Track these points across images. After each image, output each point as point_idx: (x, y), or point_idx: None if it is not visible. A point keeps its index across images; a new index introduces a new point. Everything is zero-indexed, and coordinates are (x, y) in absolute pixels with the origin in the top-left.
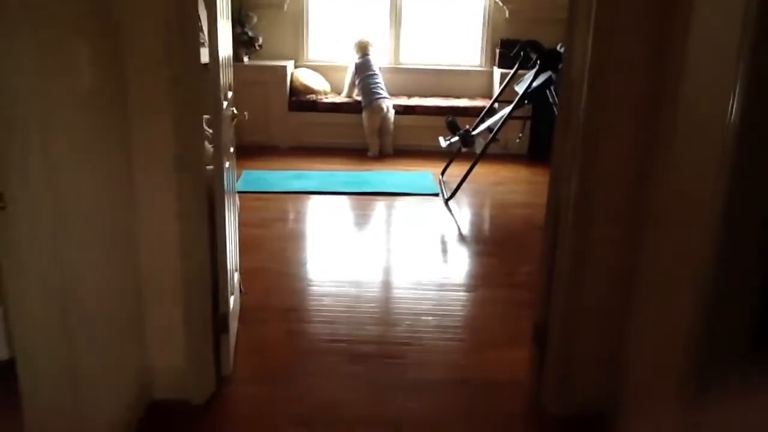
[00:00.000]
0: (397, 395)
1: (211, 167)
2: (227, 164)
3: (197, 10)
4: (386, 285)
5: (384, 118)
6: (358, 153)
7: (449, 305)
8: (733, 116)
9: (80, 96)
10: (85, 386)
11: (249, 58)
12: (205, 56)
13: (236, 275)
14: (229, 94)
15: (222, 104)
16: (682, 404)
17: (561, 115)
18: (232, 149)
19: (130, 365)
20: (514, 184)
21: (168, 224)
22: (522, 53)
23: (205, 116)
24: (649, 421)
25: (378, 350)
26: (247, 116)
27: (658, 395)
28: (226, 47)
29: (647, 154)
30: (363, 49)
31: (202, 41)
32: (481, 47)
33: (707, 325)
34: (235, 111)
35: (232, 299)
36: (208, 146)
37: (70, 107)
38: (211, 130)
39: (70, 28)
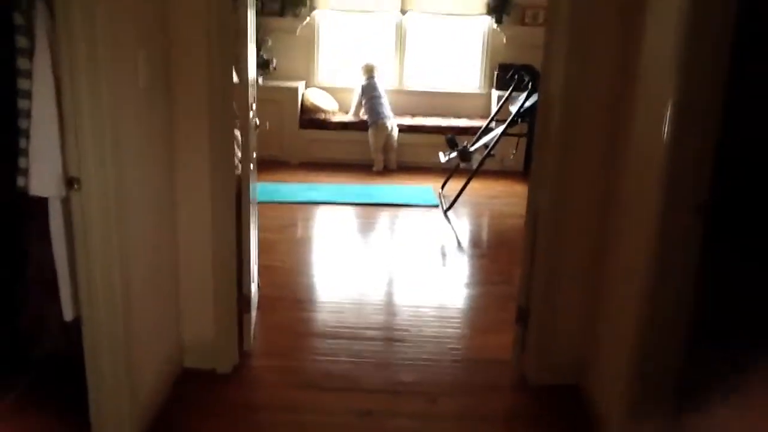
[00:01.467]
0: (396, 369)
1: (238, 171)
2: (252, 166)
3: (232, 39)
4: (389, 282)
5: (388, 135)
6: (363, 168)
7: (446, 299)
8: (668, 123)
9: (139, 97)
10: (136, 348)
11: (263, 78)
12: (235, 77)
13: (255, 268)
14: (254, 106)
15: (250, 114)
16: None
17: (539, 129)
18: (254, 154)
19: (168, 336)
20: (508, 197)
21: (202, 215)
22: (516, 76)
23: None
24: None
25: (380, 335)
26: (268, 126)
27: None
28: (252, 69)
29: (611, 160)
30: (369, 71)
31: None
32: (481, 70)
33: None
34: (258, 122)
35: (253, 286)
36: (237, 151)
37: (132, 100)
38: (239, 135)
39: (136, 42)
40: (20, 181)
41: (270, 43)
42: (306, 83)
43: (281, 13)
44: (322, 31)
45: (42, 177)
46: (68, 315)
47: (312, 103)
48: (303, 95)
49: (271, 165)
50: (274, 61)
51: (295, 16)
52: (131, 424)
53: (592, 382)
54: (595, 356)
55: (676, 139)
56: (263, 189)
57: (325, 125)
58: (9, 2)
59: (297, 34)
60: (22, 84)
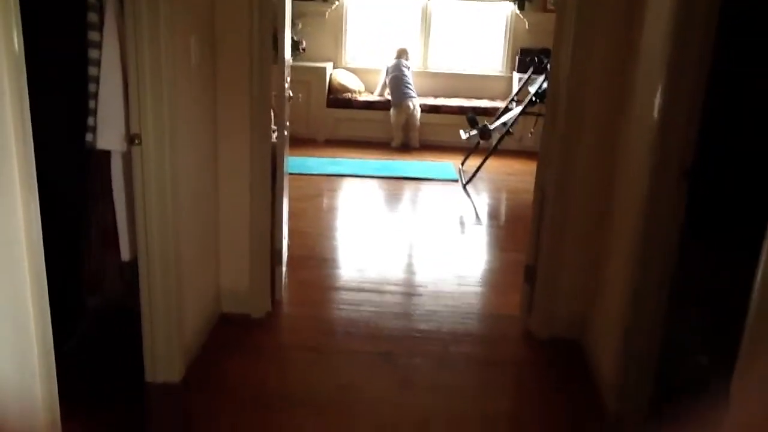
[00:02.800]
0: (415, 319)
1: (274, 139)
2: (285, 134)
3: (271, 21)
4: (410, 246)
5: (410, 114)
6: (387, 146)
7: (463, 263)
8: (658, 101)
9: (190, 69)
10: (184, 289)
11: (293, 60)
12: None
13: (286, 228)
14: (288, 80)
15: (285, 86)
16: None
17: (548, 109)
18: (287, 124)
19: (209, 282)
20: (525, 175)
21: (241, 176)
22: (536, 59)
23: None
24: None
25: (401, 289)
26: (300, 98)
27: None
28: (287, 48)
29: (613, 136)
30: (398, 53)
31: None
32: (503, 54)
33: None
34: (291, 93)
35: (284, 242)
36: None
37: (185, 75)
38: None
39: (188, 27)
40: (88, 137)
41: (300, 25)
42: (333, 64)
43: None
44: (349, 15)
45: (107, 133)
46: (125, 256)
47: (339, 84)
48: (330, 76)
49: (299, 142)
50: (304, 42)
51: (325, 0)
52: (179, 358)
53: (590, 337)
54: (593, 314)
55: (665, 113)
56: (291, 162)
57: (351, 104)
58: None
59: (326, 17)
60: (92, 53)
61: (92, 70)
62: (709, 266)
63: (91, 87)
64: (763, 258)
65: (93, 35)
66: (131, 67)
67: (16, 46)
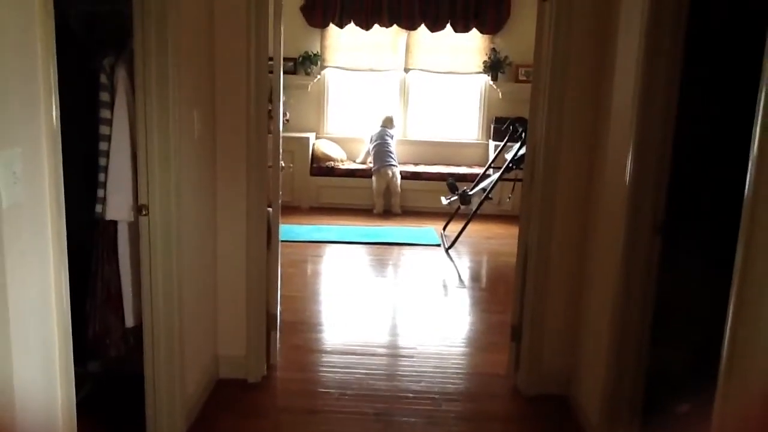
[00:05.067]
0: (405, 380)
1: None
2: (279, 201)
3: (267, 98)
4: (396, 310)
5: (390, 181)
6: (370, 212)
7: (449, 324)
8: (630, 165)
9: (194, 141)
10: (185, 355)
11: None
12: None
13: (279, 294)
14: (281, 151)
15: (279, 157)
16: None
17: (526, 173)
18: (280, 192)
19: (208, 349)
20: (504, 238)
21: (238, 245)
22: (511, 127)
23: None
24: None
25: (390, 352)
26: (291, 167)
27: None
28: (281, 121)
29: (589, 197)
30: (384, 122)
31: None
32: (478, 123)
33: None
34: (283, 164)
35: (278, 308)
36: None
37: (189, 148)
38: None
39: (192, 101)
40: (98, 208)
41: (284, 98)
42: (316, 134)
43: (294, 71)
44: (331, 87)
45: (116, 205)
46: (129, 322)
47: (322, 152)
48: (313, 145)
49: (284, 209)
50: (288, 114)
51: (307, 73)
52: (180, 420)
53: (577, 391)
54: (579, 368)
55: (635, 173)
56: None
57: (334, 173)
58: (96, 67)
59: (308, 89)
60: (103, 130)
61: (102, 145)
62: (688, 310)
63: (101, 161)
64: (732, 301)
65: (104, 113)
66: (140, 141)
67: (55, 122)
